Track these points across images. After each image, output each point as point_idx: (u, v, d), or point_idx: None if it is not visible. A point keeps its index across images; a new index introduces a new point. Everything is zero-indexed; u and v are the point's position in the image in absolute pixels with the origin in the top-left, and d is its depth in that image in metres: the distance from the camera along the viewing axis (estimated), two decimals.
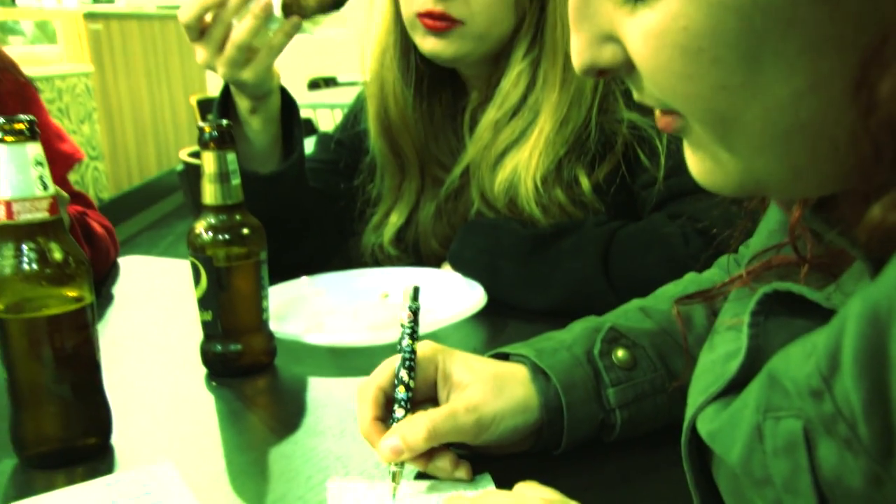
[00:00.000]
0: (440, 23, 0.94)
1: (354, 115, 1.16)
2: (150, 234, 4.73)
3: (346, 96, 3.78)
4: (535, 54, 0.96)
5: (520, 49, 0.97)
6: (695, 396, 0.46)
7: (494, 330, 0.91)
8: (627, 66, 0.40)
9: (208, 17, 0.92)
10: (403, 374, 0.61)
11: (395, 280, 1.01)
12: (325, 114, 4.19)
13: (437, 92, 1.07)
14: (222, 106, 0.99)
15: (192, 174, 2.06)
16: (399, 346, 0.63)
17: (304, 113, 3.76)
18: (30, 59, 4.06)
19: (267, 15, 0.92)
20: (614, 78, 0.42)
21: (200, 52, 0.94)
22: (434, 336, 0.82)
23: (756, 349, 0.42)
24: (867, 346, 0.30)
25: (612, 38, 0.39)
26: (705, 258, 0.79)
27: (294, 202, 1.03)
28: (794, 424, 0.36)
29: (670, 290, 0.72)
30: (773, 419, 0.38)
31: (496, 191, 0.97)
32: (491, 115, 0.98)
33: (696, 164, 0.42)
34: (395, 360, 0.63)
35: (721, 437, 0.42)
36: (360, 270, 1.05)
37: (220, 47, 0.92)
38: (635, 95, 0.42)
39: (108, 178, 4.67)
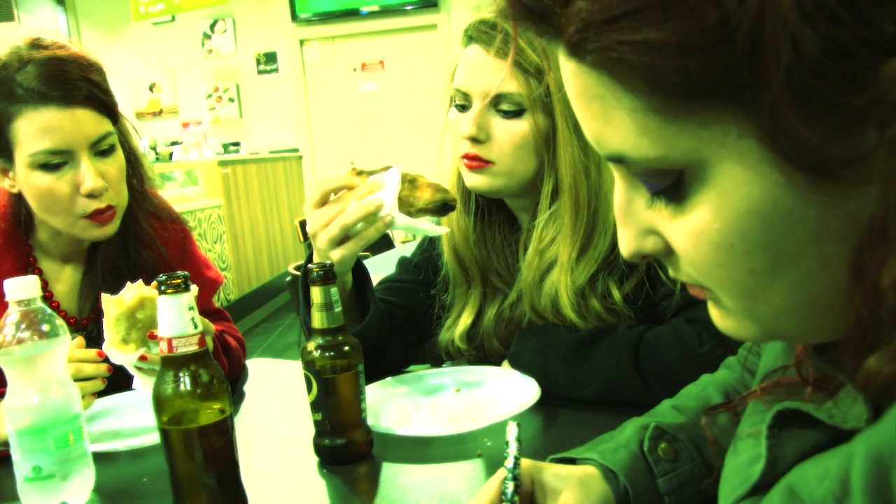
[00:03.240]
0: (475, 162, 0.96)
1: (430, 240, 1.18)
2: (266, 325, 4.83)
3: None
4: (559, 202, 0.96)
5: (546, 189, 0.98)
6: (725, 496, 0.45)
7: (549, 418, 0.89)
8: (666, 252, 0.40)
9: (333, 196, 0.91)
10: (517, 498, 0.57)
11: (465, 377, 1.00)
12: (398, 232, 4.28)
13: (493, 220, 1.08)
14: (304, 277, 0.95)
15: (296, 282, 2.11)
16: (510, 472, 0.58)
17: None
18: (180, 199, 4.27)
19: (376, 211, 0.87)
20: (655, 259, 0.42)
21: (313, 220, 0.91)
22: (500, 425, 0.80)
23: (773, 457, 0.41)
24: (873, 481, 0.29)
25: (653, 232, 0.40)
26: (717, 354, 0.77)
27: (377, 339, 1.01)
28: None
29: (693, 390, 0.70)
30: None
31: (543, 304, 0.96)
32: (534, 245, 0.99)
33: (721, 321, 0.41)
34: (495, 479, 0.59)
35: None
36: (435, 370, 1.05)
37: (328, 223, 0.89)
38: (671, 272, 0.42)
39: (234, 284, 4.81)
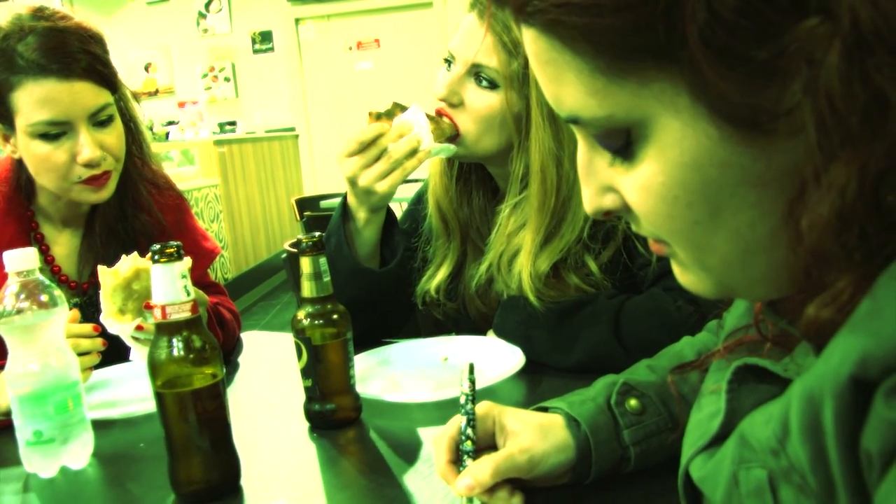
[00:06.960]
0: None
1: (418, 196, 1.21)
2: (263, 303, 4.85)
3: (408, 191, 3.84)
4: (529, 189, 0.97)
5: (517, 170, 0.98)
6: (687, 448, 0.47)
7: (532, 384, 0.91)
8: (626, 209, 0.42)
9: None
10: (469, 431, 0.62)
11: (452, 347, 1.02)
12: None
13: (477, 180, 1.10)
14: (342, 218, 1.04)
15: (293, 260, 2.12)
16: (463, 409, 0.63)
17: None
18: (177, 178, 4.20)
19: (418, 146, 0.96)
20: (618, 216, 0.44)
21: (350, 165, 0.97)
22: (485, 391, 0.83)
23: (732, 411, 0.43)
24: (807, 420, 0.32)
25: (611, 189, 0.42)
26: (693, 321, 0.80)
27: (392, 290, 1.06)
28: (760, 473, 0.37)
29: (669, 351, 0.72)
30: (745, 469, 0.39)
31: (513, 287, 0.97)
32: (502, 230, 1.01)
33: (682, 276, 0.44)
34: (460, 417, 0.64)
35: (708, 481, 0.43)
36: (423, 340, 1.07)
37: (371, 163, 0.96)
38: (633, 227, 0.44)
39: (231, 263, 4.83)
